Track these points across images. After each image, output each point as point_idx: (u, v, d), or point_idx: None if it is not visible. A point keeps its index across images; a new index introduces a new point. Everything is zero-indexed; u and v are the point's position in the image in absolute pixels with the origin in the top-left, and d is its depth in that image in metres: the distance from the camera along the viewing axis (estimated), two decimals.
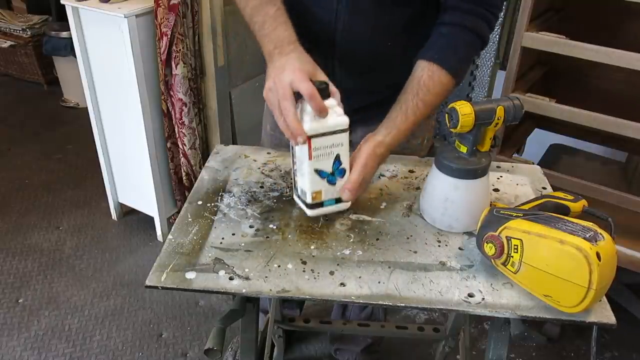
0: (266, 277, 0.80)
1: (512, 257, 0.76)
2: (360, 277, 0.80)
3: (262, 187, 1.02)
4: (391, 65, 1.05)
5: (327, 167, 0.86)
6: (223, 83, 2.03)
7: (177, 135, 2.02)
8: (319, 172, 0.85)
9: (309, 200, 0.88)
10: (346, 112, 0.88)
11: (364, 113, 1.05)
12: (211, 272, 0.80)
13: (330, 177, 0.87)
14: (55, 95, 3.43)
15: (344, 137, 0.84)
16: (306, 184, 0.86)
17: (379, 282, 0.79)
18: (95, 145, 2.17)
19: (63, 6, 1.88)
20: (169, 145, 2.07)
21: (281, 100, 0.80)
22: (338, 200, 0.89)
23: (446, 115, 0.86)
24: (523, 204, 0.86)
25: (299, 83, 0.79)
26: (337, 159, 0.85)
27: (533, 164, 1.14)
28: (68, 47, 2.99)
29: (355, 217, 0.94)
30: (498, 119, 0.86)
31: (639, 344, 1.84)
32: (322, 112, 0.80)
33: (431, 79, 0.93)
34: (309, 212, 0.89)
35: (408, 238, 0.90)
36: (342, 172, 0.87)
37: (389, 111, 0.96)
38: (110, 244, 2.23)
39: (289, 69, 0.80)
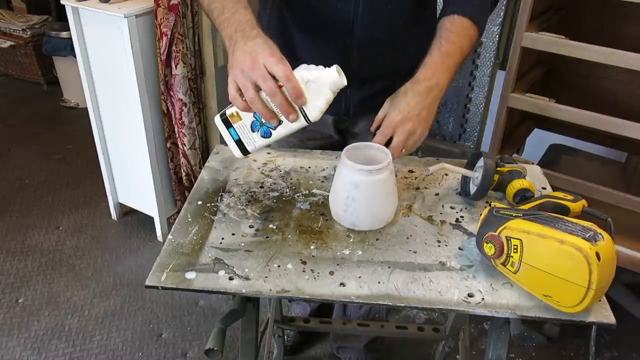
0: (266, 277, 0.80)
1: (512, 257, 0.76)
2: (360, 277, 0.80)
3: (262, 187, 1.02)
4: (400, 48, 1.11)
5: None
6: (223, 83, 2.03)
7: (177, 135, 2.02)
8: (254, 122, 0.85)
9: (227, 112, 0.86)
10: (356, 102, 0.91)
11: (369, 102, 1.08)
12: (211, 272, 0.80)
13: (255, 122, 0.85)
14: (55, 95, 3.43)
15: (301, 122, 0.83)
16: None
17: (379, 282, 0.79)
18: (95, 145, 2.17)
19: (63, 6, 1.88)
20: (169, 145, 2.07)
21: (263, 81, 0.78)
22: (239, 144, 0.88)
23: None
24: (523, 203, 0.86)
25: (273, 66, 0.78)
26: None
27: (533, 164, 1.14)
28: (68, 47, 2.99)
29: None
30: None
31: (639, 344, 1.84)
32: (299, 98, 0.79)
33: (452, 24, 1.02)
34: (216, 119, 0.88)
35: (408, 238, 0.90)
36: (266, 133, 0.85)
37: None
38: (110, 244, 2.23)
39: (262, 53, 0.80)
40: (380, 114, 0.99)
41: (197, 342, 1.79)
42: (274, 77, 0.79)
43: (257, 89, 0.79)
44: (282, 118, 0.83)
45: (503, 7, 2.03)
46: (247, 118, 0.85)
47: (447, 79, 1.00)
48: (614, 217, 0.80)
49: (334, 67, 0.82)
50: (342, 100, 1.14)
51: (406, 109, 0.95)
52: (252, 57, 0.79)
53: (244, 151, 0.89)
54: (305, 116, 0.82)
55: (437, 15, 1.16)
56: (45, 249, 2.18)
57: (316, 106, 0.82)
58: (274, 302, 1.42)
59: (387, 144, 0.96)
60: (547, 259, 0.72)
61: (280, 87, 0.79)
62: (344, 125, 1.25)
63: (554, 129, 1.99)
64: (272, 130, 0.85)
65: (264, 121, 0.84)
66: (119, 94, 1.96)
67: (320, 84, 0.82)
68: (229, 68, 0.82)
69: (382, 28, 1.07)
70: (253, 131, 0.86)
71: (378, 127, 0.99)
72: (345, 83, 0.84)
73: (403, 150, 0.96)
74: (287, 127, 0.84)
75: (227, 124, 0.87)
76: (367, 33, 1.06)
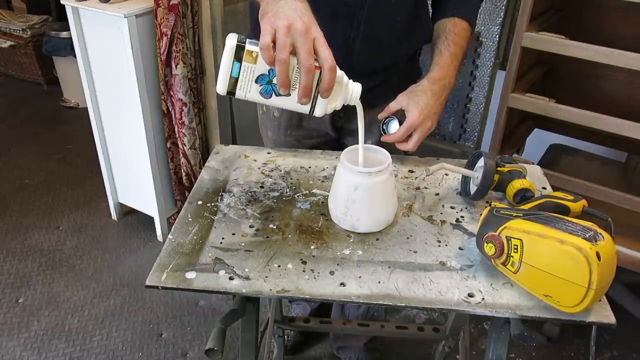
0: (266, 277, 0.80)
1: (512, 257, 0.76)
2: (360, 277, 0.80)
3: (262, 187, 1.02)
4: (397, 43, 1.14)
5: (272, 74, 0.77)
6: None
7: (177, 135, 2.02)
8: (263, 76, 0.78)
9: (247, 47, 0.77)
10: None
11: (365, 97, 1.09)
12: (211, 272, 0.80)
13: (264, 77, 0.78)
14: (55, 95, 3.43)
15: (304, 108, 0.81)
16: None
17: (379, 282, 0.79)
18: (95, 145, 2.17)
19: (63, 6, 1.88)
20: (169, 145, 2.07)
21: (306, 54, 0.73)
22: (232, 82, 0.79)
23: None
24: (523, 203, 0.86)
25: (323, 47, 0.75)
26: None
27: (533, 164, 1.14)
28: (68, 47, 2.99)
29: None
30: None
31: (639, 344, 1.84)
32: (325, 91, 0.77)
33: (454, 25, 1.11)
34: (230, 41, 0.77)
35: (408, 238, 0.90)
36: (267, 93, 0.79)
37: (390, 91, 1.07)
38: (110, 244, 2.23)
39: (314, 27, 0.75)
40: (394, 105, 1.04)
41: (197, 342, 1.79)
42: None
43: (292, 53, 0.74)
44: (293, 93, 0.78)
45: (503, 7, 2.03)
46: (261, 68, 0.78)
47: (454, 78, 1.08)
48: (614, 217, 0.80)
49: (359, 84, 0.84)
50: None
51: (426, 108, 1.01)
52: (305, 22, 0.74)
53: (230, 92, 0.80)
54: (312, 107, 0.81)
55: (430, 14, 1.18)
56: (45, 249, 2.18)
57: (326, 105, 0.81)
58: (274, 302, 1.42)
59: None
60: (547, 259, 0.72)
61: (316, 68, 0.75)
62: (340, 122, 1.25)
63: (554, 129, 1.99)
64: (273, 95, 0.80)
65: (274, 82, 0.78)
66: (119, 94, 1.96)
67: (341, 90, 0.82)
68: (270, 14, 0.76)
69: (385, 23, 1.09)
70: (256, 82, 0.79)
71: (387, 117, 1.05)
72: (354, 104, 0.86)
73: (412, 144, 1.03)
74: (288, 103, 0.80)
75: (237, 56, 0.77)
76: (371, 27, 1.07)
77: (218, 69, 0.79)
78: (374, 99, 1.13)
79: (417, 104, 1.01)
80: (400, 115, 1.03)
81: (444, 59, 1.08)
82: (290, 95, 0.78)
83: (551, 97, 1.55)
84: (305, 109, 0.81)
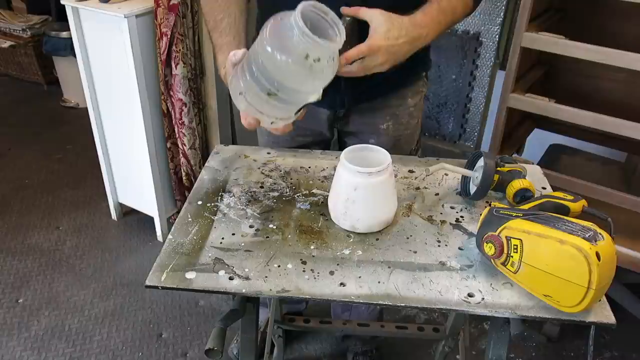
0: (266, 277, 0.80)
1: (512, 257, 0.76)
2: (360, 277, 0.80)
3: (262, 187, 1.02)
4: None
5: None
6: (222, 83, 2.03)
7: (177, 135, 2.02)
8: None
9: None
10: (351, 95, 1.00)
11: (365, 94, 1.08)
12: (211, 272, 0.80)
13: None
14: (55, 95, 3.43)
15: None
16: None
17: (379, 282, 0.79)
18: (95, 145, 2.17)
19: (63, 6, 1.88)
20: (169, 145, 2.07)
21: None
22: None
23: None
24: (523, 203, 0.86)
25: None
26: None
27: (533, 164, 1.14)
28: (68, 47, 2.99)
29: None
30: None
31: (639, 344, 1.84)
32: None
33: None
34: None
35: (408, 238, 0.90)
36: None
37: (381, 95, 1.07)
38: (110, 244, 2.23)
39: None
40: (368, 13, 0.93)
41: (197, 342, 1.79)
42: None
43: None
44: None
45: (503, 7, 2.03)
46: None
47: (435, 34, 1.00)
48: (614, 217, 0.81)
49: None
50: (336, 94, 1.13)
51: (393, 45, 0.92)
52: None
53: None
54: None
55: None
56: (45, 249, 2.18)
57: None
58: (274, 302, 1.42)
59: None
60: (547, 258, 0.72)
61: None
62: (338, 123, 1.25)
63: (554, 129, 1.99)
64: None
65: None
66: (119, 94, 1.96)
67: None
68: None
69: None
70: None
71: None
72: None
73: (355, 67, 0.93)
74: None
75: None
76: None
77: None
78: (373, 99, 1.12)
79: (386, 32, 0.91)
80: (351, 28, 0.92)
81: (430, 9, 0.99)
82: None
83: (551, 97, 1.55)
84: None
